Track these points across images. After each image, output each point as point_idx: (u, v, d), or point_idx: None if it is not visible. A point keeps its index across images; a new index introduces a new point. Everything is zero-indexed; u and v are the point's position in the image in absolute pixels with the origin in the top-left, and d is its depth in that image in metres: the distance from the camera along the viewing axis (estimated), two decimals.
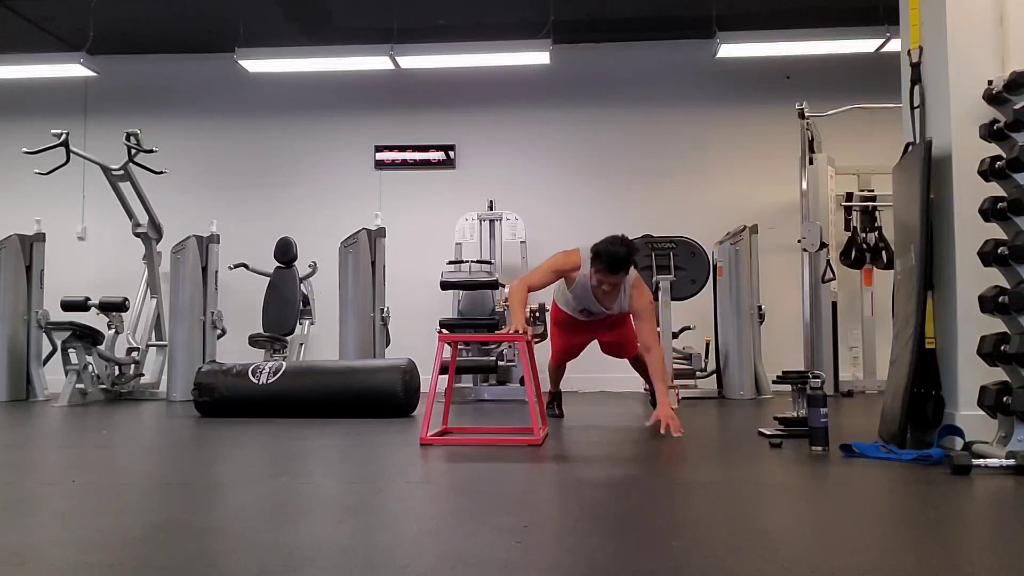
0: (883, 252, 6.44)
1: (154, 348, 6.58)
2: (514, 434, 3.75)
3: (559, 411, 4.77)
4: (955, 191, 3.17)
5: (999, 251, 2.84)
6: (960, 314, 3.11)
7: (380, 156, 7.58)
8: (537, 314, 5.85)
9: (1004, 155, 2.93)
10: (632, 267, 3.90)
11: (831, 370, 6.06)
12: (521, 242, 6.91)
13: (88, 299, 6.15)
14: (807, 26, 6.50)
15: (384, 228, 6.36)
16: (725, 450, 3.59)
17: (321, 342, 6.84)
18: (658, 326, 4.56)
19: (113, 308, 6.21)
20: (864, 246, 6.52)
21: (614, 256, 3.78)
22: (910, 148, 3.45)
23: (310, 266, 6.84)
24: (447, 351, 3.86)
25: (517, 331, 3.62)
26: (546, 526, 2.02)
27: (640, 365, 4.47)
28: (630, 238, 3.92)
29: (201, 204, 7.32)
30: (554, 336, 4.58)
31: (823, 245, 5.91)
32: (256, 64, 6.98)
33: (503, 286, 6.30)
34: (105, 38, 6.90)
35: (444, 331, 6.15)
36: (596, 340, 4.47)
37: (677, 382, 5.49)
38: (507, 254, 7.01)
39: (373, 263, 6.21)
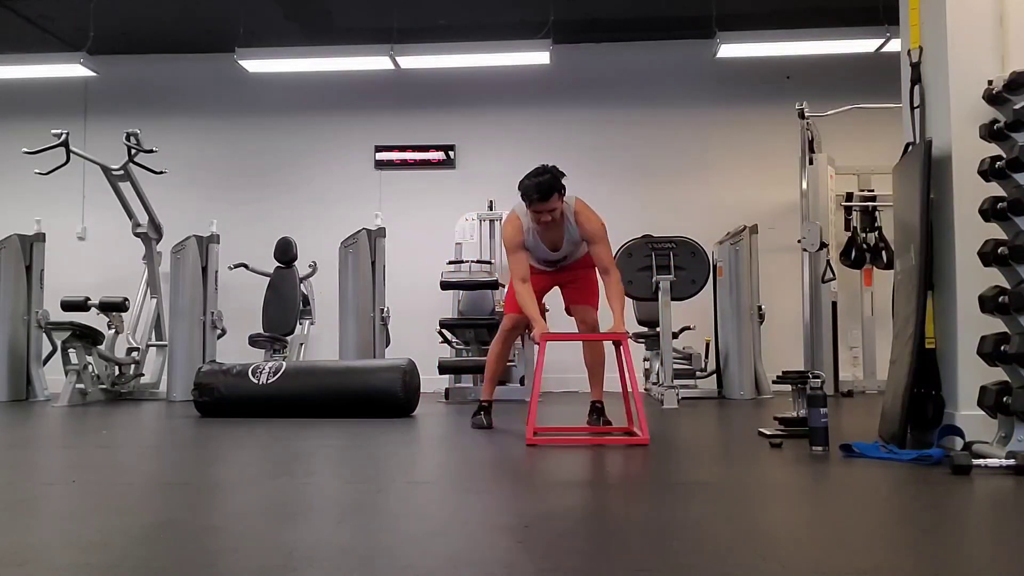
0: (883, 252, 6.44)
1: (154, 348, 6.58)
2: (616, 434, 3.77)
3: (487, 421, 4.11)
4: (955, 191, 3.16)
5: (999, 251, 2.84)
6: (960, 314, 3.11)
7: (380, 156, 7.58)
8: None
9: (1004, 155, 2.93)
10: (564, 193, 3.82)
11: (831, 370, 6.06)
12: None
13: (88, 299, 6.15)
14: (807, 26, 6.50)
15: (384, 228, 6.36)
16: (725, 450, 3.59)
17: (321, 342, 6.84)
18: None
19: (113, 308, 6.21)
20: (864, 246, 6.52)
21: (538, 184, 3.74)
22: (910, 148, 3.45)
23: (310, 266, 6.84)
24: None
25: (541, 334, 3.57)
26: (547, 526, 2.02)
27: (592, 359, 4.19)
28: (555, 166, 3.82)
29: (201, 204, 7.32)
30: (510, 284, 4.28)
31: (823, 245, 5.91)
32: (256, 64, 6.98)
33: (503, 286, 6.30)
34: (105, 38, 6.90)
35: (444, 331, 6.16)
36: (560, 290, 4.21)
37: (677, 382, 5.49)
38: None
39: (373, 263, 6.21)
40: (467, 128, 7.56)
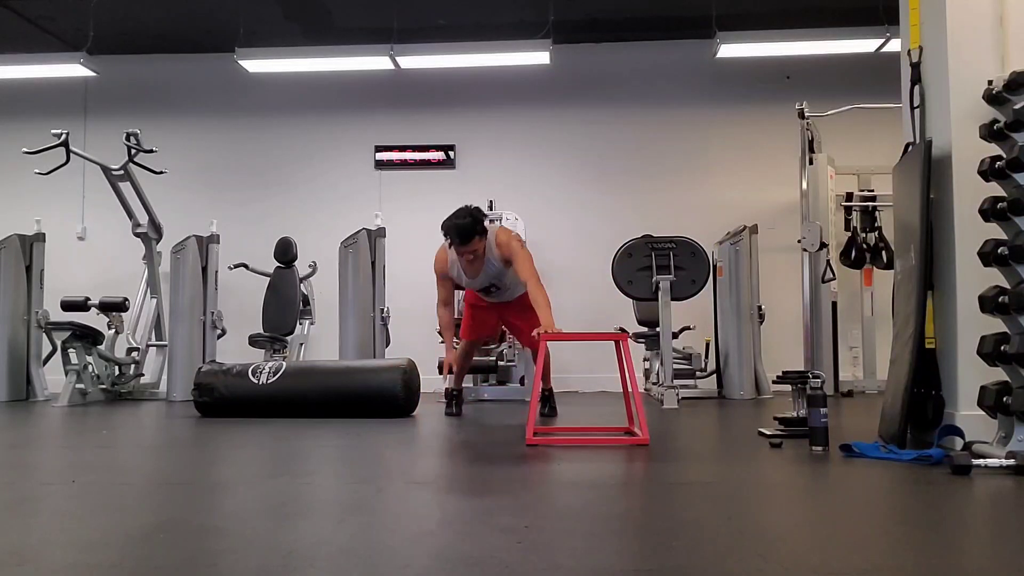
0: (883, 252, 6.44)
1: (154, 348, 6.58)
2: (612, 434, 3.76)
3: (457, 409, 4.86)
4: (955, 191, 3.17)
5: (999, 251, 2.84)
6: (960, 314, 3.11)
7: (380, 156, 7.58)
8: None
9: (1004, 155, 2.93)
10: (485, 233, 4.15)
11: (831, 370, 6.06)
12: None
13: (88, 299, 6.15)
14: (807, 26, 6.51)
15: (384, 228, 6.36)
16: (725, 450, 3.59)
17: (321, 342, 6.84)
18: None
19: (113, 308, 6.21)
20: (864, 246, 6.53)
21: (459, 228, 4.10)
22: (910, 148, 3.45)
23: (310, 266, 6.84)
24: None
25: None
26: (546, 526, 2.02)
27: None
28: (478, 207, 4.25)
29: (201, 204, 7.33)
30: (465, 314, 4.82)
31: (823, 245, 5.91)
32: (256, 64, 6.98)
33: None
34: (105, 38, 6.90)
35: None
36: (504, 325, 4.76)
37: (677, 382, 5.49)
38: None
39: (373, 263, 6.21)
40: (467, 128, 7.56)
